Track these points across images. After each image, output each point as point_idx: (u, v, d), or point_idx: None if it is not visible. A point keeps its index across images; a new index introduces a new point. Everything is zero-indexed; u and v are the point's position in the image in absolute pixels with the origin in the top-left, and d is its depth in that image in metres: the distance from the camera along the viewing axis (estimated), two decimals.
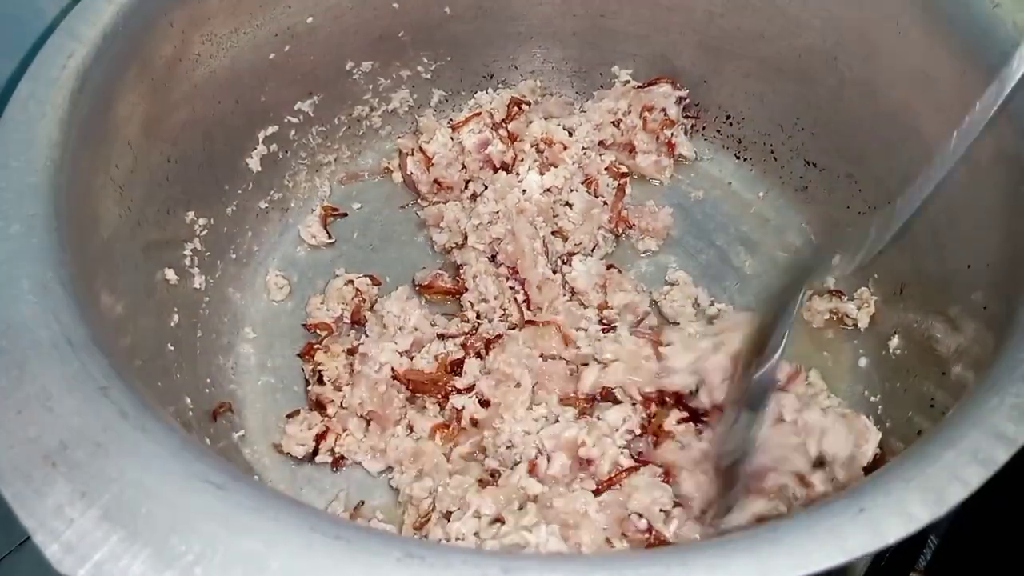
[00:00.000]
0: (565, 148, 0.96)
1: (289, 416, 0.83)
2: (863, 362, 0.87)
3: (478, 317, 0.87)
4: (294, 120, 0.95)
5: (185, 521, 0.46)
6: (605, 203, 0.95)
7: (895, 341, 0.85)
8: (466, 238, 0.91)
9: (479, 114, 0.96)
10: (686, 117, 1.03)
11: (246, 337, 0.89)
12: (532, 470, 0.75)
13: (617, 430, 0.78)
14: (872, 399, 0.84)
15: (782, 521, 0.48)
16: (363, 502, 0.80)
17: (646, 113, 1.00)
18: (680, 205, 1.00)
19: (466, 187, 0.97)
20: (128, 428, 0.50)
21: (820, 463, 0.75)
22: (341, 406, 0.82)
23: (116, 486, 0.48)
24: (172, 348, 0.77)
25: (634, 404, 0.81)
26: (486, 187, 0.95)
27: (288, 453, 0.81)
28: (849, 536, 0.47)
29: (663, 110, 1.00)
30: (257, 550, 0.46)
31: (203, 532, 0.46)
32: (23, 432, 0.50)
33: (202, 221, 0.85)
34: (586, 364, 0.83)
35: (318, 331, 0.88)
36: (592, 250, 0.93)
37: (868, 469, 0.75)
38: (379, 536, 0.47)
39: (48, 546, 0.45)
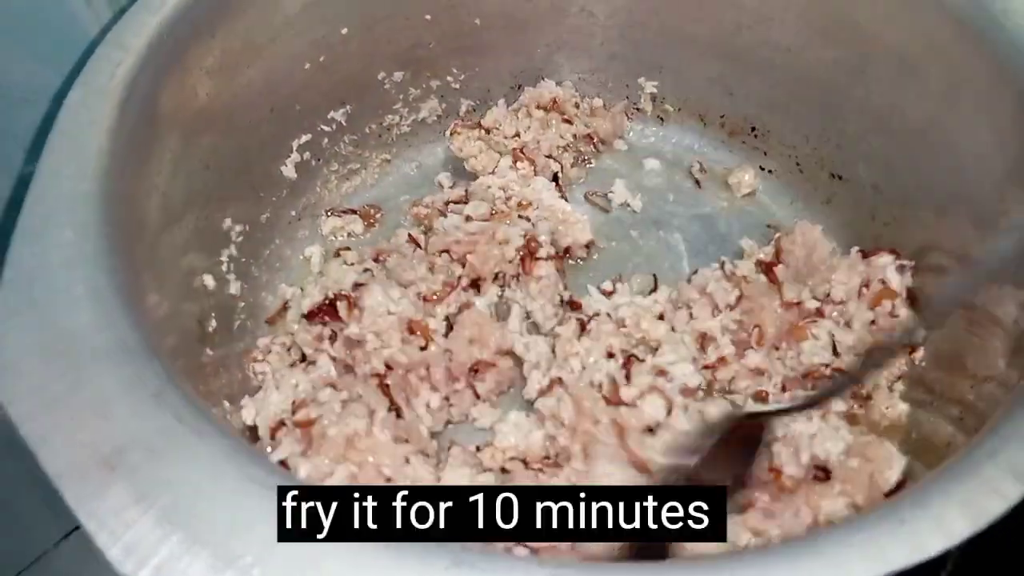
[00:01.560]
0: None
1: None
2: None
3: None
4: (327, 128, 0.97)
5: (242, 524, 0.47)
6: None
7: (920, 353, 0.85)
8: None
9: None
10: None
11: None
12: None
13: None
14: None
15: (822, 531, 0.49)
16: None
17: None
18: (706, 215, 1.02)
19: None
20: (183, 432, 0.52)
21: (824, 475, 0.75)
22: None
23: (173, 489, 0.49)
24: (211, 353, 0.79)
25: None
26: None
27: None
28: (890, 548, 0.48)
29: None
30: (311, 555, 0.47)
31: (260, 535, 0.47)
32: (81, 436, 0.51)
33: (238, 228, 0.87)
34: None
35: None
36: None
37: (890, 495, 0.75)
38: (428, 544, 0.48)
39: (109, 548, 0.47)
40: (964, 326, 0.80)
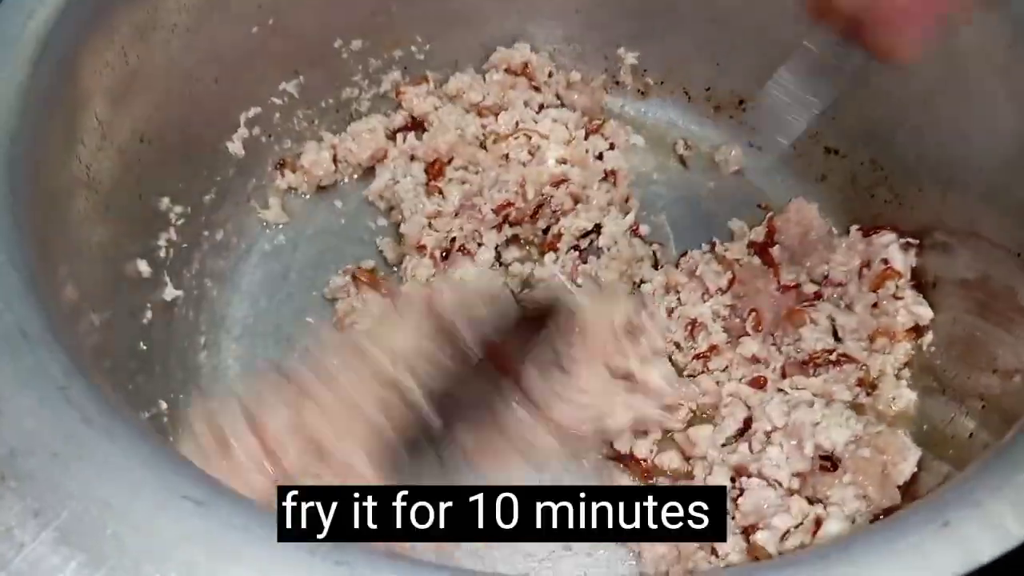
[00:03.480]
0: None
1: None
2: None
3: None
4: (278, 101, 0.89)
5: (160, 545, 0.39)
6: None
7: (928, 337, 0.79)
8: None
9: None
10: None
11: (226, 336, 0.81)
12: None
13: None
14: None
15: (856, 536, 0.41)
16: None
17: None
18: (692, 195, 0.95)
19: None
20: (91, 435, 0.43)
21: (831, 464, 0.70)
22: None
23: (76, 503, 0.41)
24: (145, 348, 0.71)
25: None
26: None
27: None
28: (934, 554, 0.40)
29: None
30: None
31: (181, 559, 0.39)
32: None
33: (178, 209, 0.78)
34: None
35: None
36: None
37: (904, 489, 0.70)
38: (388, 561, 0.41)
39: None
40: (976, 311, 0.74)
